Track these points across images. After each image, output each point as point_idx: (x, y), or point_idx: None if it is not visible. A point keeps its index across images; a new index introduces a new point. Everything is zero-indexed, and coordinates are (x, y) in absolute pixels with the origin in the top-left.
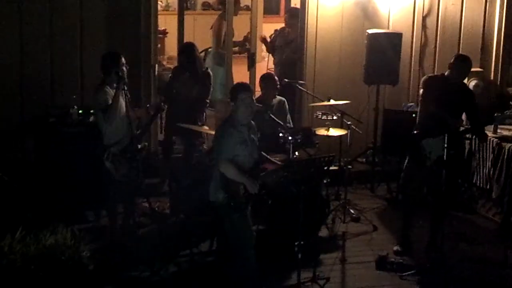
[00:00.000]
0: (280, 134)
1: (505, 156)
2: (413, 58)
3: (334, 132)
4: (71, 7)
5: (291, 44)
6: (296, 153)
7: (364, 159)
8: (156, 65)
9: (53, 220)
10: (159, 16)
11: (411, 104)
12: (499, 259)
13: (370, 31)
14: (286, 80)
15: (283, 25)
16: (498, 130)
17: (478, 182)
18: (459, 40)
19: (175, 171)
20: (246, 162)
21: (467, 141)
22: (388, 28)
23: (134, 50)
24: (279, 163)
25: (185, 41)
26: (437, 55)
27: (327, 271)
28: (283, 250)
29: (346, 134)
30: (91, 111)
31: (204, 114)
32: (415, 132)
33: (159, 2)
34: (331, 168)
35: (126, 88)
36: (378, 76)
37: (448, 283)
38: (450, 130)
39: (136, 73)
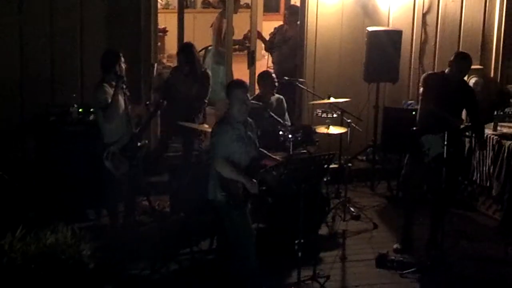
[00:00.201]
0: (280, 132)
1: (505, 154)
2: (413, 55)
3: (334, 130)
4: (71, 6)
5: (288, 41)
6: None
7: (364, 157)
8: (156, 64)
9: (53, 219)
10: (159, 15)
11: (411, 101)
12: (500, 257)
13: (370, 28)
14: (286, 78)
15: (282, 22)
16: (498, 128)
17: (478, 179)
18: (459, 37)
19: (175, 169)
20: (243, 160)
21: (467, 139)
22: (388, 26)
23: (134, 49)
24: (278, 159)
25: (185, 39)
26: (437, 52)
27: (327, 269)
28: (283, 248)
29: (346, 132)
30: (91, 109)
31: (203, 113)
32: (414, 128)
33: (159, 1)
34: (331, 166)
35: (125, 86)
36: (378, 74)
37: (448, 280)
38: (450, 127)
39: (136, 71)
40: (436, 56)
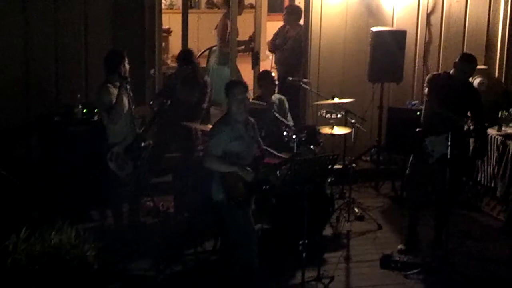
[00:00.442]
0: (285, 133)
1: (510, 154)
2: (417, 55)
3: (338, 130)
4: (75, 6)
5: (289, 41)
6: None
7: (368, 158)
8: (153, 70)
9: (57, 220)
10: (163, 15)
11: (415, 102)
12: (504, 257)
13: (374, 29)
14: (290, 78)
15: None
16: (503, 128)
17: (483, 180)
18: (464, 37)
19: (178, 170)
20: (244, 159)
21: (472, 139)
22: (392, 26)
23: (139, 49)
24: (284, 156)
25: (189, 39)
26: (441, 52)
27: (332, 270)
28: (287, 249)
29: (350, 132)
30: (96, 110)
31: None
32: (418, 129)
33: (163, 1)
34: (335, 166)
35: (129, 87)
36: (382, 74)
37: (452, 281)
38: (454, 128)
39: (140, 72)
40: (441, 56)
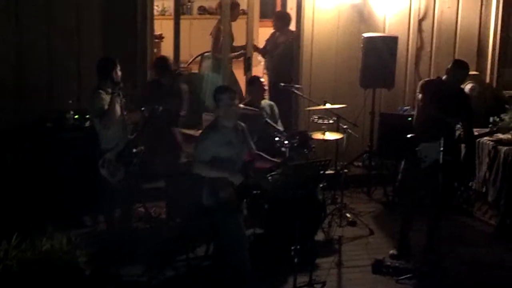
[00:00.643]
0: (277, 138)
1: (501, 159)
2: (409, 61)
3: (330, 136)
4: (67, 12)
5: (279, 47)
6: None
7: (360, 163)
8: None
9: (49, 225)
10: (155, 21)
11: (407, 107)
12: (496, 262)
13: (366, 34)
14: (283, 84)
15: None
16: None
17: (474, 185)
18: (455, 43)
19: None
20: (234, 163)
21: (463, 145)
22: (384, 32)
23: (131, 55)
24: (277, 160)
25: (181, 45)
26: (433, 58)
27: (324, 275)
28: (279, 254)
29: (342, 138)
30: (87, 116)
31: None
32: (410, 135)
33: (155, 7)
34: (327, 172)
35: (121, 93)
36: (374, 80)
37: (444, 286)
38: (447, 133)
39: (132, 78)
40: (432, 62)
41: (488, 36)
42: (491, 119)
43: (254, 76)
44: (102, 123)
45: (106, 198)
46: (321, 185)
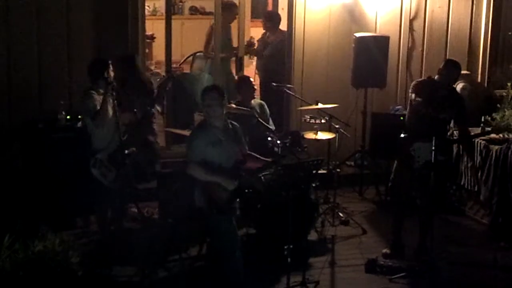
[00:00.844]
0: (269, 138)
1: (493, 159)
2: (400, 61)
3: (323, 135)
4: (58, 13)
5: (269, 46)
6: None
7: (352, 162)
8: None
9: (41, 226)
10: (146, 21)
11: (398, 107)
12: (488, 261)
13: (358, 34)
14: (274, 84)
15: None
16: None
17: (466, 184)
18: (446, 43)
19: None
20: (224, 163)
21: (455, 145)
22: (375, 32)
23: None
24: (268, 160)
25: (172, 46)
26: (424, 58)
27: (317, 275)
28: (272, 254)
29: (335, 137)
30: (79, 116)
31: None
32: (403, 135)
33: (146, 7)
34: (319, 171)
35: (114, 94)
36: (365, 80)
37: (437, 285)
38: (439, 132)
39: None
40: (424, 61)
41: (479, 36)
42: (482, 118)
43: (244, 75)
44: (94, 123)
45: (98, 199)
46: (313, 185)
